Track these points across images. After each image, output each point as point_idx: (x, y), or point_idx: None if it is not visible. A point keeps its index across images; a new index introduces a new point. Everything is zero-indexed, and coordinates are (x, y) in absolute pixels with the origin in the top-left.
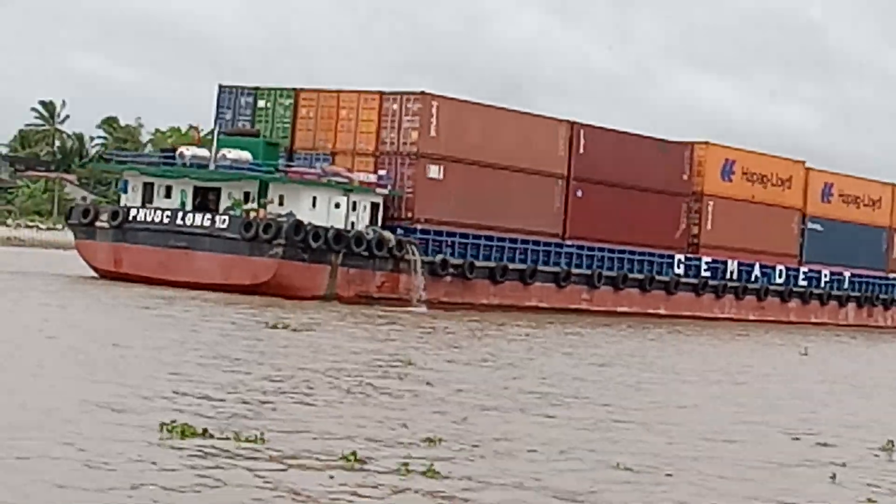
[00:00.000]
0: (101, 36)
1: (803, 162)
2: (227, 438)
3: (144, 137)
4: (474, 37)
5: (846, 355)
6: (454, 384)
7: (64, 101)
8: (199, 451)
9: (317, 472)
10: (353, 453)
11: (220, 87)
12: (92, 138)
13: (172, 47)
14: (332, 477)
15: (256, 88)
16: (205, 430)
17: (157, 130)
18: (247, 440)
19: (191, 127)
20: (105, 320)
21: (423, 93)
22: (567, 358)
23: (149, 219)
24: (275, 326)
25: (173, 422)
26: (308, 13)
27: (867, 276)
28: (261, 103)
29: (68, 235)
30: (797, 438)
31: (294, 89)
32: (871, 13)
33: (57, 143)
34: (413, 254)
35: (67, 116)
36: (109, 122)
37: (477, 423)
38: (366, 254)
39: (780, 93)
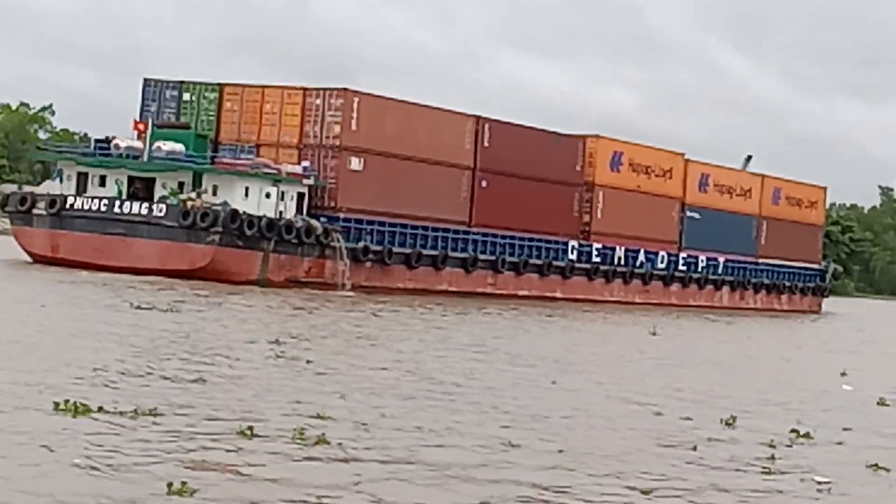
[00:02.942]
0: None
1: (683, 154)
2: (123, 413)
3: None
4: (298, 14)
5: (695, 335)
6: (329, 363)
7: None
8: (97, 426)
9: (215, 444)
10: (250, 427)
11: (146, 80)
12: None
13: None
14: (231, 448)
15: (182, 82)
16: (100, 408)
17: None
18: (142, 415)
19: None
20: None
21: (345, 89)
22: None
23: (86, 206)
24: (139, 307)
25: (66, 400)
26: None
27: (739, 262)
28: (186, 96)
29: None
30: (660, 413)
31: (219, 84)
32: None
33: None
34: (338, 241)
35: None
36: None
37: (357, 400)
38: (295, 241)
39: (605, 75)
